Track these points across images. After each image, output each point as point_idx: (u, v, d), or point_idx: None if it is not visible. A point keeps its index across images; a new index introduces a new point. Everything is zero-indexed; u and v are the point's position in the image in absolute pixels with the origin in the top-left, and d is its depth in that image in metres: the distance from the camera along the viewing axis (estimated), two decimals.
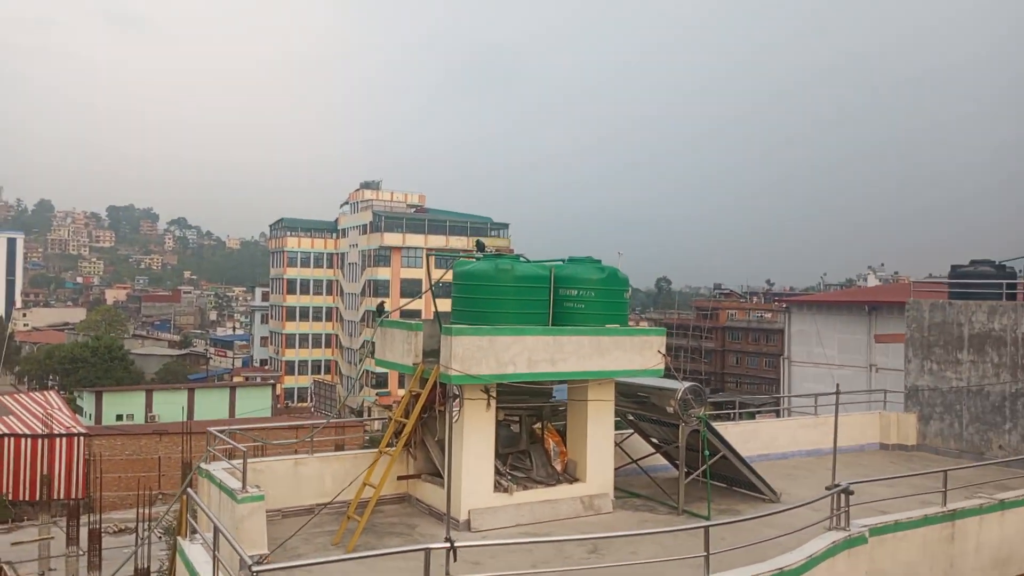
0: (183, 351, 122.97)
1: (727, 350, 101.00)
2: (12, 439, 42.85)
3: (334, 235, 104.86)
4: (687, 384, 13.84)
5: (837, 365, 41.74)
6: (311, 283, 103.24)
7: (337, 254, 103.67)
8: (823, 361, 43.26)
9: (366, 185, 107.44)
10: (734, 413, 21.73)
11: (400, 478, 13.62)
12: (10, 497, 41.60)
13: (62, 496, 41.43)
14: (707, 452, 14.00)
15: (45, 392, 56.27)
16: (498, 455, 13.15)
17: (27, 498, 42.08)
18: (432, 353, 12.53)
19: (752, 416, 29.39)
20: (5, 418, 45.42)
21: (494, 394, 12.44)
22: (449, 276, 13.01)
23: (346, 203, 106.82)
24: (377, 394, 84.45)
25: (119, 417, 62.30)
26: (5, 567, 31.44)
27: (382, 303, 13.71)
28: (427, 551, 7.12)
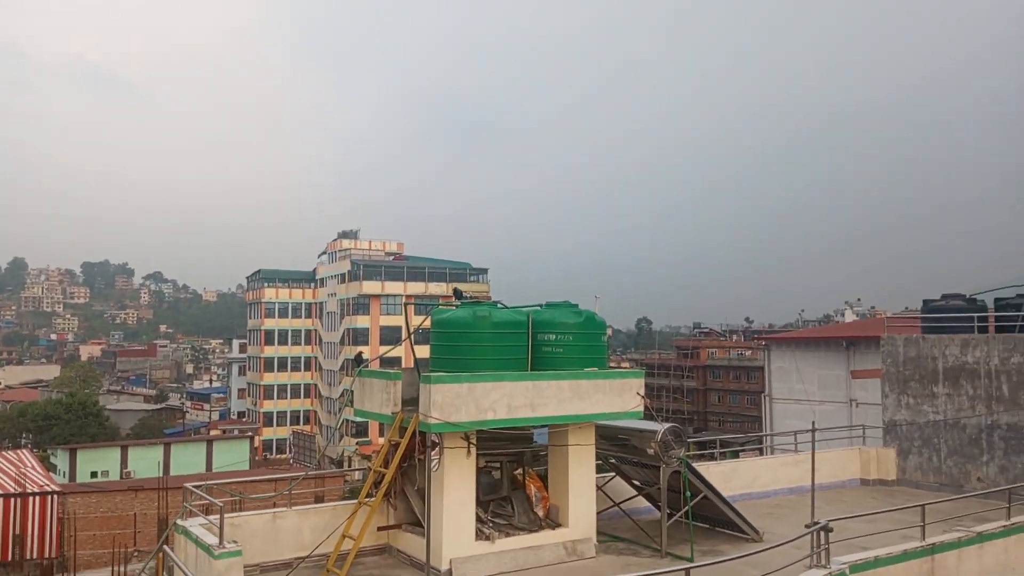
0: (159, 405, 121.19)
1: (709, 388, 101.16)
2: None
3: (312, 285, 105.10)
4: (667, 425, 13.90)
5: (818, 401, 41.97)
6: (289, 333, 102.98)
7: (316, 304, 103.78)
8: (804, 397, 43.47)
9: (344, 235, 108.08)
10: (716, 452, 21.76)
11: (380, 529, 13.50)
12: None
13: (35, 556, 40.42)
14: (688, 493, 14.01)
15: (18, 451, 55.18)
16: (479, 502, 13.10)
17: None
18: (411, 401, 12.54)
19: (736, 454, 29.45)
20: None
21: (474, 441, 12.43)
22: (428, 323, 13.07)
23: (324, 253, 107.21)
24: (357, 443, 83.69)
25: (93, 474, 61.08)
26: None
27: (360, 353, 13.74)
28: None
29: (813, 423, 14.04)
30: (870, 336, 38.94)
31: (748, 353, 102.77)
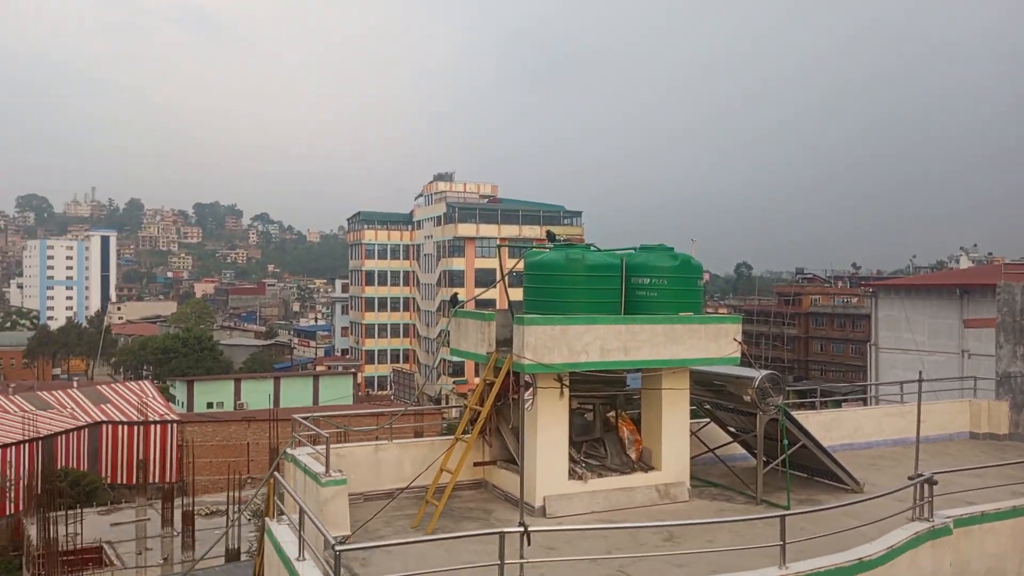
0: (268, 341, 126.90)
1: (811, 337, 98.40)
2: (110, 426, 45.09)
3: (409, 227, 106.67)
4: (764, 372, 13.63)
5: (927, 351, 40.34)
6: (388, 274, 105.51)
7: (413, 246, 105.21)
8: (912, 347, 41.84)
9: (440, 177, 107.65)
10: (817, 401, 21.28)
11: (476, 464, 13.85)
12: (109, 480, 43.80)
13: (157, 480, 43.43)
14: (786, 441, 13.80)
15: (140, 382, 58.95)
16: (572, 443, 13.25)
17: (124, 481, 44.28)
18: (505, 342, 12.67)
19: (838, 404, 28.73)
20: (103, 406, 47.77)
21: (567, 382, 12.50)
22: (521, 266, 13.12)
23: (420, 195, 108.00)
24: (454, 382, 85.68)
25: (209, 405, 64.77)
26: (105, 546, 33.16)
27: (455, 294, 13.97)
28: (502, 535, 7.28)
29: (920, 373, 13.55)
30: (986, 284, 36.96)
31: (854, 301, 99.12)
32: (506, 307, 12.87)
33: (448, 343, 13.60)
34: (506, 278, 13.11)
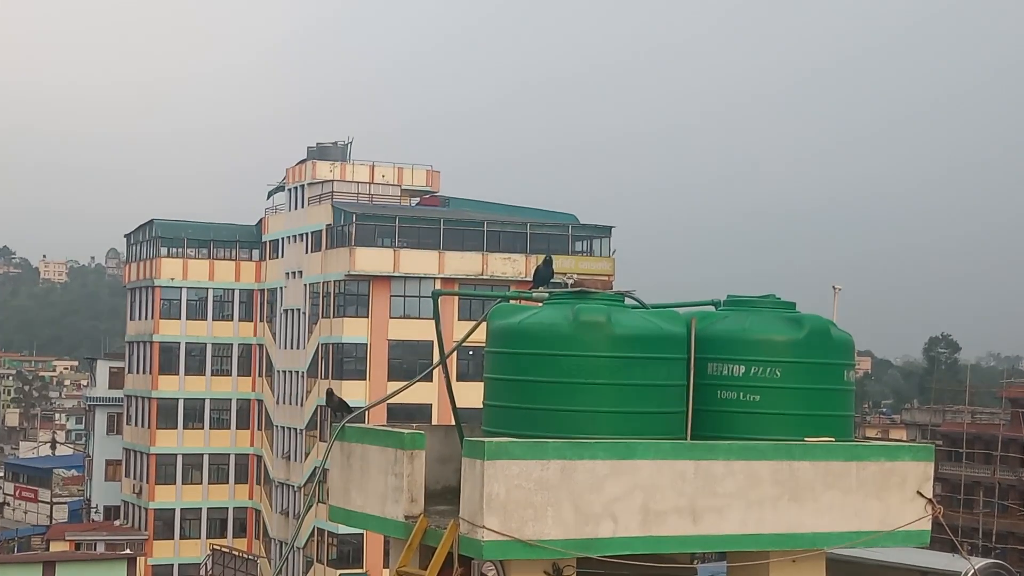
0: None
1: None
2: None
3: (254, 253, 58.19)
4: (984, 563, 7.31)
5: None
6: (207, 350, 56.01)
7: (261, 291, 57.16)
8: None
9: (320, 152, 56.66)
10: None
11: None
12: None
13: None
14: None
15: None
16: None
17: None
18: (445, 495, 7.22)
19: None
20: None
21: None
22: (483, 335, 7.16)
23: (279, 187, 59.04)
24: None
25: None
26: None
27: (332, 392, 7.91)
28: None
29: None
30: None
31: None
32: (452, 421, 7.21)
33: (326, 497, 7.54)
34: (450, 360, 6.90)
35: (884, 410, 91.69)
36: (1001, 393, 61.37)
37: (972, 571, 7.98)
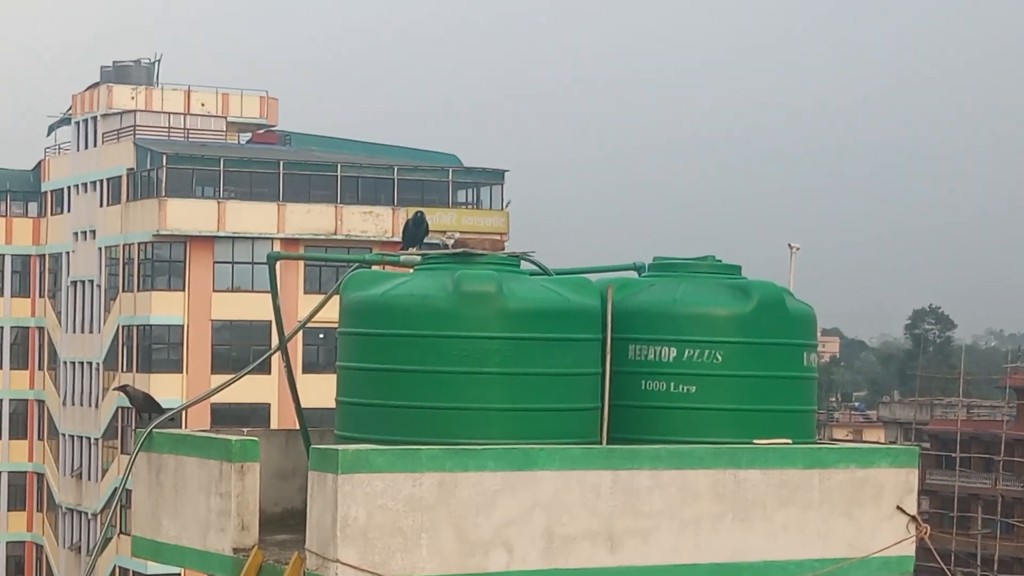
0: None
1: None
2: None
3: (30, 207, 47.85)
4: None
5: None
6: None
7: (39, 256, 46.98)
8: None
9: (117, 73, 45.13)
10: None
11: None
12: None
13: None
14: None
15: None
16: None
17: None
18: (286, 520, 6.19)
19: None
20: None
21: None
22: (336, 312, 5.78)
23: (63, 119, 47.58)
24: None
25: None
26: None
27: (126, 386, 6.65)
28: None
29: None
30: None
31: None
32: (296, 424, 6.28)
33: (128, 526, 6.92)
34: (292, 345, 5.71)
35: (856, 404, 77.27)
36: (1004, 381, 49.62)
37: None
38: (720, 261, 6.07)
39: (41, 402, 46.05)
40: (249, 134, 46.06)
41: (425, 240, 6.07)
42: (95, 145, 43.61)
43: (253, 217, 38.99)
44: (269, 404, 34.30)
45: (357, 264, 6.05)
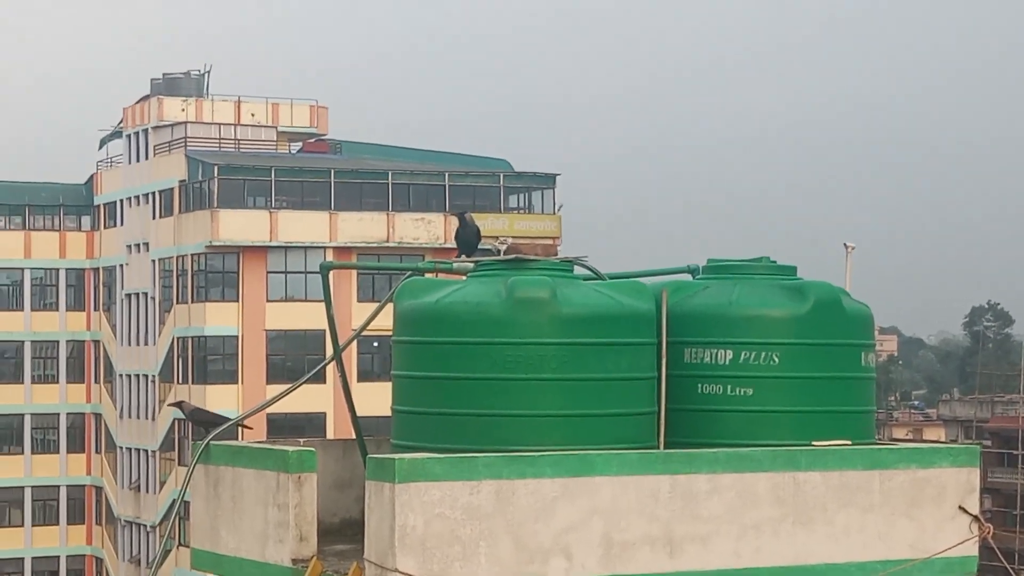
0: None
1: None
2: None
3: (84, 220, 47.82)
4: None
5: None
6: (26, 349, 44.79)
7: (93, 270, 46.79)
8: None
9: (168, 85, 45.36)
10: None
11: None
12: None
13: None
14: None
15: None
16: None
17: None
18: (345, 530, 6.20)
19: None
20: None
21: None
22: (390, 321, 5.87)
23: (115, 132, 47.63)
24: None
25: None
26: None
27: (181, 401, 6.69)
28: None
29: None
30: None
31: None
32: (352, 434, 6.24)
33: (188, 538, 6.45)
34: (347, 354, 5.59)
35: (916, 403, 76.38)
36: None
37: None
38: (775, 262, 6.03)
39: (98, 415, 45.80)
40: (300, 143, 46.32)
41: (479, 247, 6.04)
42: (147, 158, 44.00)
43: (305, 226, 39.22)
44: (325, 413, 34.22)
45: (410, 272, 6.03)
